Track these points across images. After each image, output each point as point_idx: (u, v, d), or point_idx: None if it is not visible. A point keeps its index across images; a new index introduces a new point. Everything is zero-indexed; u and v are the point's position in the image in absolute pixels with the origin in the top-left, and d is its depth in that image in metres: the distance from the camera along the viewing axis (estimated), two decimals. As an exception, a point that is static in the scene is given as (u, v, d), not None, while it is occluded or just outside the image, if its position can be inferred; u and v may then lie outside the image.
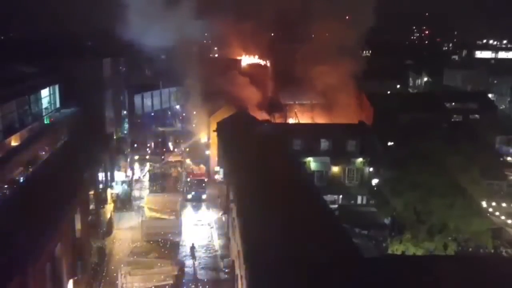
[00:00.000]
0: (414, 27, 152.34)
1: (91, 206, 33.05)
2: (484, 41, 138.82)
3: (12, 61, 43.34)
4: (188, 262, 34.43)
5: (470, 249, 34.48)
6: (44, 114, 42.51)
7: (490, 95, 70.00)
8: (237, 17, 61.87)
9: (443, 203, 32.95)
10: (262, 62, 75.89)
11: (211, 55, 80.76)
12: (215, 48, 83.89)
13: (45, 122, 42.32)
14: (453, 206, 32.90)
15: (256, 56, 75.64)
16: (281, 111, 62.77)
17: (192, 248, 35.48)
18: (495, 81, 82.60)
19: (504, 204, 41.51)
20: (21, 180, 31.60)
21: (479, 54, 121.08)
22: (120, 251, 35.29)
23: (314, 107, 63.61)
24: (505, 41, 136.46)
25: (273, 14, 66.03)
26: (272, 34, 74.61)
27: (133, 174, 50.11)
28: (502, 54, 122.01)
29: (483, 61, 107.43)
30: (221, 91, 56.67)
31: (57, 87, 45.03)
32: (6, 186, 30.93)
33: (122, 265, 30.83)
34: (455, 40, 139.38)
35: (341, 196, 45.39)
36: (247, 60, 75.20)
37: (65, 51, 47.03)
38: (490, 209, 40.25)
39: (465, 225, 32.92)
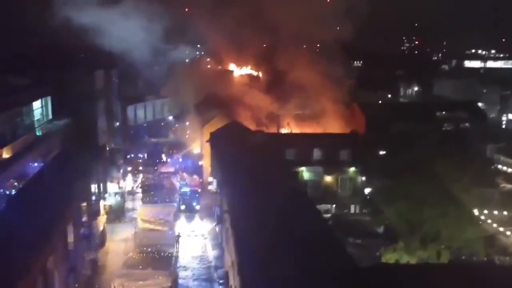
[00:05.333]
0: (404, 38, 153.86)
1: (84, 218, 32.81)
2: (473, 51, 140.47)
3: (4, 73, 43.11)
4: (182, 274, 34.25)
5: (463, 257, 34.64)
6: (36, 125, 42.30)
7: (480, 104, 70.69)
8: (230, 26, 62.03)
9: (435, 212, 33.16)
10: (255, 73, 76.11)
11: (203, 67, 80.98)
12: (208, 60, 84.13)
13: (37, 134, 42.12)
14: (445, 215, 33.12)
15: (249, 67, 75.86)
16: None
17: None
18: (485, 90, 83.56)
19: (496, 212, 41.86)
20: (13, 193, 31.33)
21: (468, 63, 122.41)
22: (113, 263, 34.94)
23: (306, 117, 63.81)
24: (493, 51, 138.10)
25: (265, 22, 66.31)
26: (264, 45, 74.82)
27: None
28: (490, 64, 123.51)
29: (472, 71, 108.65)
30: (214, 100, 56.77)
31: (49, 99, 44.85)
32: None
33: (115, 277, 30.54)
34: (444, 50, 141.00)
35: (334, 206, 45.52)
36: (239, 71, 75.39)
37: (58, 63, 46.94)
38: (482, 217, 40.56)
39: (458, 233, 33.13)
